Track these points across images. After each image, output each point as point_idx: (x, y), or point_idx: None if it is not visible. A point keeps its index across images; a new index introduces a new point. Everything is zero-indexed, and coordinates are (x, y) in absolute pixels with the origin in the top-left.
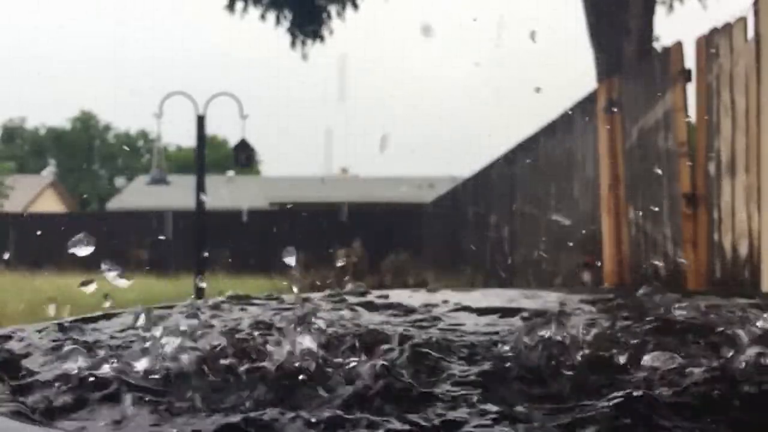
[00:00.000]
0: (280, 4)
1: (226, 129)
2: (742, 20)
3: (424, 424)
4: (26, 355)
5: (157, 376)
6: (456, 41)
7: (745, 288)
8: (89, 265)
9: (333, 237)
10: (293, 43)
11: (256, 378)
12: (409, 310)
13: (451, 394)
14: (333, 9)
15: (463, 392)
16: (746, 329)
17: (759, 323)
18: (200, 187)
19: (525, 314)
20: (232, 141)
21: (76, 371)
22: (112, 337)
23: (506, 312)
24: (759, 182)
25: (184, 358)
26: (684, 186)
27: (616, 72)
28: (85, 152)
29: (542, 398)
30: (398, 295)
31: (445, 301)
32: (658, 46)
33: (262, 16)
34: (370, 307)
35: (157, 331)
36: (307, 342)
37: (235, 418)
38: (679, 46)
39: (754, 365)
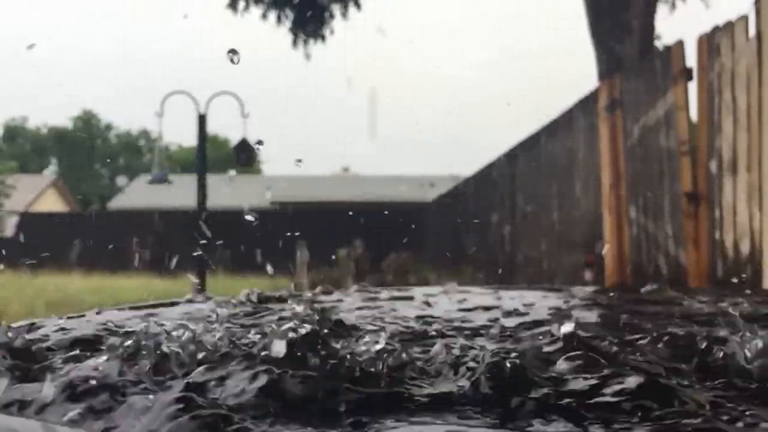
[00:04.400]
0: (282, 3)
1: (227, 128)
2: (744, 19)
3: None
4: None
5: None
6: (457, 41)
7: (746, 286)
8: (89, 265)
9: (334, 236)
10: (295, 43)
11: None
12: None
13: None
14: (336, 9)
15: None
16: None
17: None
18: (202, 187)
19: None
20: (234, 140)
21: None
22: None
23: None
24: (760, 181)
25: None
26: (685, 184)
27: (618, 71)
28: (86, 151)
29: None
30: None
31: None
32: (659, 44)
33: (264, 16)
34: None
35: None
36: None
37: None
38: (680, 44)
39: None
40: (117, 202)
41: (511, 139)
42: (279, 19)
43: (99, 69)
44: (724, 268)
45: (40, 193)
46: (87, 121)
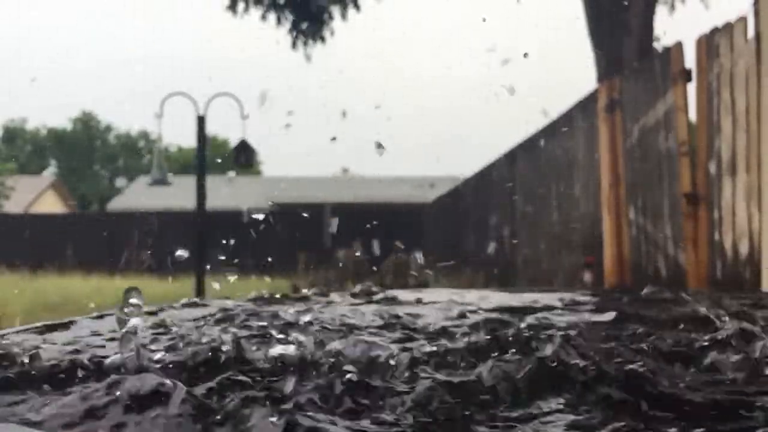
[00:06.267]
0: (281, 5)
1: (226, 129)
2: (743, 20)
3: None
4: None
5: None
6: (457, 41)
7: (746, 287)
8: (89, 266)
9: (333, 237)
10: (294, 44)
11: None
12: None
13: None
14: (335, 10)
15: None
16: None
17: None
18: (201, 188)
19: None
20: (233, 141)
21: None
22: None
23: None
24: (759, 182)
25: None
26: (684, 185)
27: (617, 72)
28: (86, 153)
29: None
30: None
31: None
32: (658, 45)
33: (263, 17)
34: None
35: None
36: None
37: None
38: (679, 45)
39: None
40: (116, 204)
41: (511, 139)
42: (279, 21)
43: (99, 69)
44: (723, 269)
45: (39, 194)
46: (86, 122)
